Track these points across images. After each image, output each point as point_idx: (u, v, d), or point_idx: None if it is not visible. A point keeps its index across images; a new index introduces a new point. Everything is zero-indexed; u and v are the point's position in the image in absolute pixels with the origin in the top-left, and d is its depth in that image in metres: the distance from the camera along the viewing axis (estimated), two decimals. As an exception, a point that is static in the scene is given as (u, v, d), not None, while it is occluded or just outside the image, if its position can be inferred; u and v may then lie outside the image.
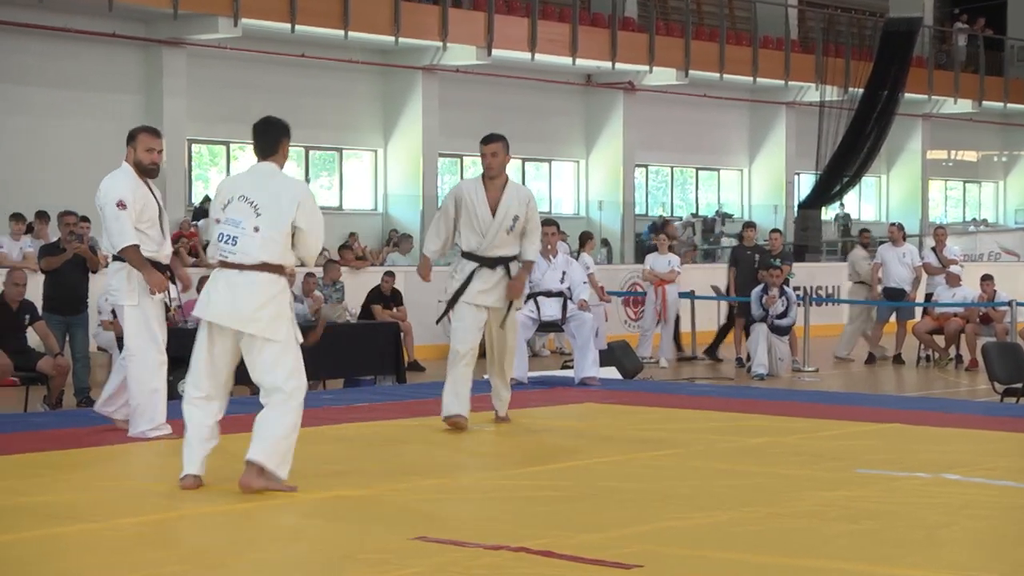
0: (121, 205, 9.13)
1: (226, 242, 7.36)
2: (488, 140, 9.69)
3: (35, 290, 13.65)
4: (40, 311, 13.22)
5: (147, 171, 9.33)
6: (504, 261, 9.83)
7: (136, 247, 9.09)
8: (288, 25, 21.21)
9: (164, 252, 9.36)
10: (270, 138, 7.68)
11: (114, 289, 9.23)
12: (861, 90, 27.80)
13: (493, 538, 6.17)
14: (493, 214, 9.69)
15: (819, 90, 28.95)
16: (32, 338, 13.06)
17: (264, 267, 7.38)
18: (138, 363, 9.17)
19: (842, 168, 27.59)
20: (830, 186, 27.89)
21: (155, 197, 9.37)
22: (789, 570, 5.77)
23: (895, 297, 18.77)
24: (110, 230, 9.16)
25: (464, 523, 6.63)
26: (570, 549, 5.98)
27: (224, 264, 7.38)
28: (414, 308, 18.54)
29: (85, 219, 15.00)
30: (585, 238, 19.78)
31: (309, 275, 16.44)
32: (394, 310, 17.43)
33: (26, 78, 19.91)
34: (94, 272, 14.02)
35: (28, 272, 13.70)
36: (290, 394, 7.32)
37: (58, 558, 5.93)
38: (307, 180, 23.70)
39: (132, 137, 9.43)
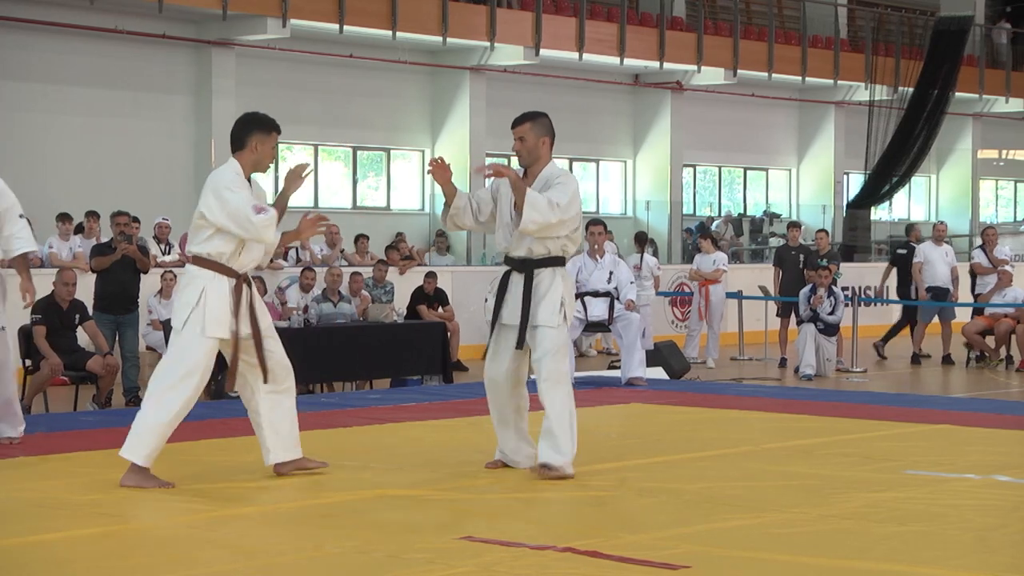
0: None
1: None
2: (514, 123, 8.08)
3: (86, 290, 13.75)
4: (90, 310, 13.31)
5: None
6: (531, 264, 7.95)
7: None
8: (336, 26, 21.28)
9: None
10: (236, 134, 7.77)
11: None
12: (911, 89, 27.63)
13: (539, 538, 6.17)
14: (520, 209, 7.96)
15: (869, 89, 28.77)
16: (82, 337, 13.15)
17: (192, 259, 7.69)
18: None
19: (891, 168, 27.41)
20: (879, 186, 27.72)
21: None
22: (837, 572, 5.73)
23: (939, 297, 18.63)
24: None
25: (510, 523, 6.63)
26: (617, 550, 5.97)
27: None
28: (459, 308, 18.57)
29: (135, 220, 15.10)
30: (643, 239, 19.77)
31: (356, 274, 16.48)
32: (440, 310, 17.45)
33: (77, 79, 20.07)
34: (144, 272, 14.11)
35: (78, 272, 13.80)
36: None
37: (108, 557, 5.97)
38: (354, 180, 23.79)
39: None
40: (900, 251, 19.68)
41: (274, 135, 7.76)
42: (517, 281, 7.97)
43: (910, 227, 19.73)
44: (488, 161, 24.65)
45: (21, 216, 9.35)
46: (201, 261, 7.59)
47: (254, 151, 7.66)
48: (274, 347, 7.81)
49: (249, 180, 7.71)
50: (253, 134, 7.68)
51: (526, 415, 8.22)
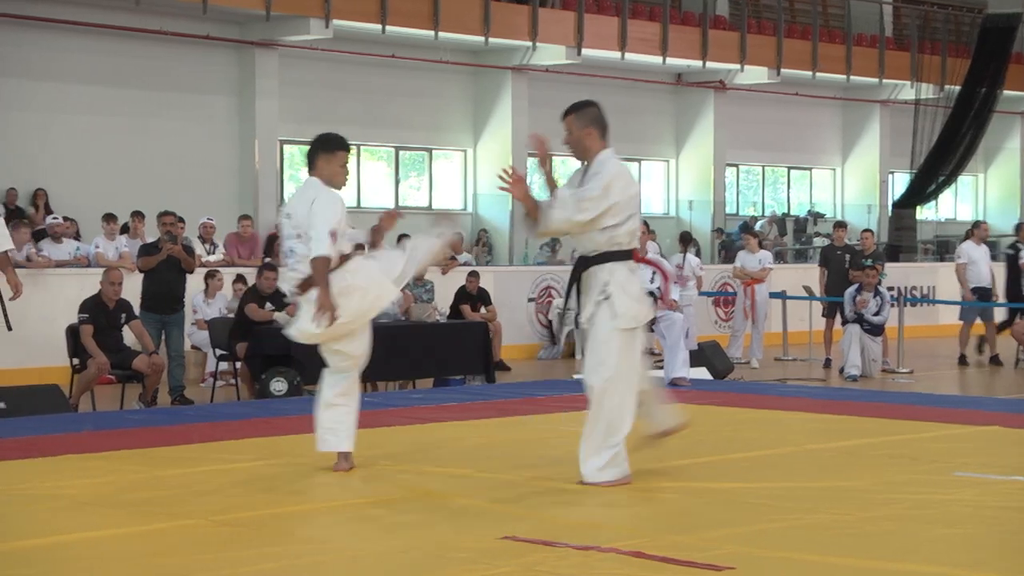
0: None
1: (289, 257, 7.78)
2: (561, 115, 7.78)
3: (132, 289, 13.83)
4: (137, 310, 13.39)
5: None
6: (586, 262, 7.61)
7: None
8: (379, 26, 21.33)
9: None
10: (307, 156, 7.98)
11: None
12: (958, 88, 27.43)
13: (582, 538, 6.15)
14: None
15: (914, 88, 28.60)
16: (128, 337, 13.23)
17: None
18: None
19: (938, 167, 27.24)
20: (925, 185, 27.55)
21: None
22: (883, 574, 5.69)
23: (983, 297, 18.49)
24: None
25: (553, 523, 6.61)
26: (661, 550, 5.95)
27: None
28: (503, 308, 18.58)
29: (181, 220, 15.18)
30: (687, 239, 19.71)
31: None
32: (482, 310, 17.46)
33: (122, 80, 20.19)
34: (190, 272, 14.19)
35: (125, 271, 13.88)
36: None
37: (154, 554, 6.00)
38: (396, 180, 23.83)
39: None
40: (1008, 251, 19.30)
41: (340, 153, 7.85)
42: (575, 279, 7.66)
43: (1019, 226, 19.41)
44: (529, 161, 24.66)
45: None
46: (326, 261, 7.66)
47: (321, 171, 7.80)
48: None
49: None
50: (319, 155, 7.84)
51: (652, 398, 7.96)
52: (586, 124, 7.65)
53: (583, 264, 7.57)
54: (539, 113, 24.35)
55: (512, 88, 23.93)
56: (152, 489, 7.35)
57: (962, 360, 18.30)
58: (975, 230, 19.13)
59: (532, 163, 24.95)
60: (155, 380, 12.90)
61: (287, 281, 7.90)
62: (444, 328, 15.19)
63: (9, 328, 8.83)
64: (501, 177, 7.50)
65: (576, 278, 7.61)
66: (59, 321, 13.83)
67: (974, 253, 18.66)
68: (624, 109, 26.12)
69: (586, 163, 7.64)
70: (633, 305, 7.48)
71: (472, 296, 17.61)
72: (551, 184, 7.68)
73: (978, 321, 18.59)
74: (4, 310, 8.75)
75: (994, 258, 20.19)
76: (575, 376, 15.09)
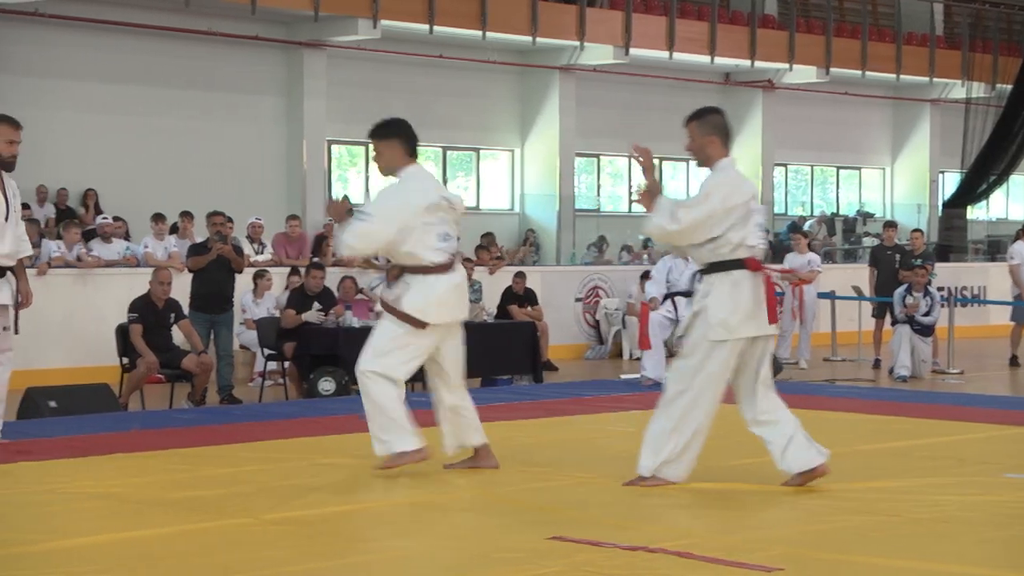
0: None
1: (446, 240, 7.81)
2: (684, 121, 7.84)
3: (181, 289, 13.91)
4: (186, 309, 13.46)
5: (5, 164, 8.73)
6: (701, 272, 7.55)
7: None
8: (426, 26, 21.36)
9: (2, 251, 8.67)
10: (412, 143, 8.05)
11: None
12: (1009, 86, 27.19)
13: (630, 538, 6.14)
14: None
15: (965, 87, 28.37)
16: (177, 336, 13.31)
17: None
18: None
19: (989, 166, 27.02)
20: (976, 185, 27.34)
21: (4, 192, 8.70)
22: (932, 575, 5.65)
23: (1038, 296, 18.33)
24: None
25: (600, 523, 6.60)
26: (709, 551, 5.92)
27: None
28: (550, 308, 18.57)
29: (230, 220, 15.25)
30: None
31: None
32: (529, 309, 17.46)
33: (171, 81, 20.32)
34: (239, 272, 14.26)
35: (174, 271, 13.96)
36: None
37: (203, 553, 6.03)
38: (444, 180, 23.85)
39: None
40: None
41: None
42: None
43: None
44: (576, 161, 24.64)
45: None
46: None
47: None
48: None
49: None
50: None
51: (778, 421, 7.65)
52: (709, 132, 7.58)
53: (700, 274, 7.52)
54: (586, 113, 24.35)
55: (559, 88, 23.92)
56: (200, 488, 7.39)
57: (1013, 361, 18.14)
58: None
59: (579, 163, 24.93)
60: (204, 379, 12.96)
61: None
62: (492, 328, 15.19)
63: (16, 332, 8.87)
64: (634, 149, 7.59)
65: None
66: (109, 321, 13.93)
67: (1025, 253, 18.50)
68: (671, 109, 25.95)
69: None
70: (728, 317, 7.24)
71: (519, 296, 17.61)
72: (656, 190, 7.54)
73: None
74: (16, 315, 8.80)
75: None
76: (622, 376, 15.07)
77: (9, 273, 8.82)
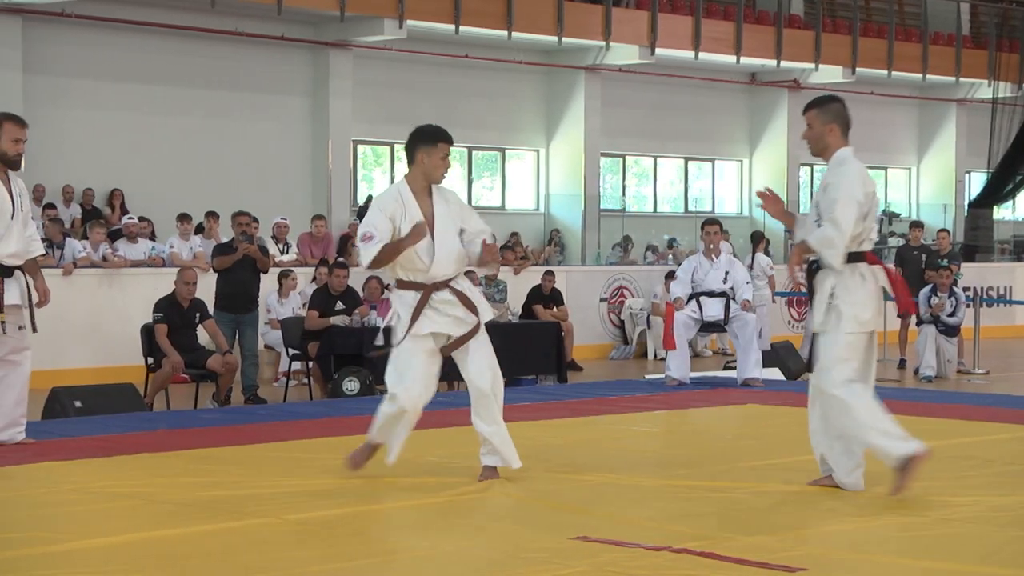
0: None
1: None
2: (804, 109, 7.76)
3: (206, 289, 13.94)
4: (211, 309, 13.50)
5: (11, 162, 8.71)
6: (817, 266, 7.49)
7: None
8: (452, 26, 21.38)
9: (8, 251, 8.65)
10: (406, 150, 7.90)
11: None
12: (1037, 87, 27.10)
13: (654, 539, 6.14)
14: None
15: (992, 87, 28.26)
16: (202, 336, 13.35)
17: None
18: None
19: (1015, 166, 26.93)
20: (1002, 185, 27.24)
21: (10, 191, 8.67)
22: (958, 577, 5.63)
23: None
24: None
25: (625, 523, 6.60)
26: (733, 551, 5.92)
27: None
28: (575, 308, 18.56)
29: (255, 220, 15.29)
30: (757, 238, 19.61)
31: (469, 272, 16.51)
32: (554, 309, 17.46)
33: (197, 81, 20.38)
34: (264, 272, 14.29)
35: (199, 271, 14.00)
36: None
37: (227, 553, 6.05)
38: (469, 180, 23.88)
39: None
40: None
41: (441, 145, 7.73)
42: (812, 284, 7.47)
43: None
44: (602, 161, 24.62)
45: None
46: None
47: (422, 164, 7.73)
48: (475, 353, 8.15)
49: (429, 192, 7.75)
50: (419, 148, 7.76)
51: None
52: (829, 120, 7.52)
53: (814, 268, 7.42)
54: (612, 113, 24.33)
55: (585, 88, 23.90)
56: (224, 488, 7.41)
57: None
58: None
59: (605, 163, 24.92)
60: (229, 379, 13.00)
61: None
62: (516, 328, 15.20)
63: (34, 330, 8.91)
64: (759, 194, 7.61)
65: (811, 282, 7.47)
66: (134, 320, 13.98)
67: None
68: (697, 109, 26.04)
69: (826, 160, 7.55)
70: (860, 311, 7.23)
71: (545, 296, 17.61)
72: (789, 219, 7.61)
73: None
74: (32, 314, 8.82)
75: None
76: (647, 377, 15.06)
77: (18, 272, 8.82)
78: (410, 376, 7.69)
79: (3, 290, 8.68)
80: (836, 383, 7.21)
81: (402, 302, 7.74)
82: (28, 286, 8.87)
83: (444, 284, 7.77)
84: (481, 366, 7.99)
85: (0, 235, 8.63)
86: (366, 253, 7.60)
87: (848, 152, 7.47)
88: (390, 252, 7.59)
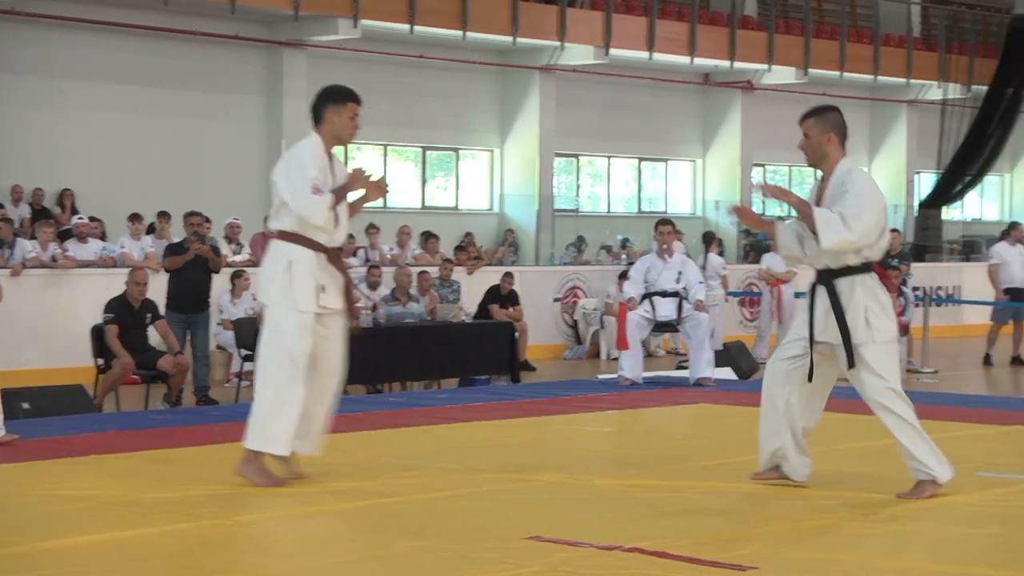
0: None
1: None
2: (800, 118, 7.56)
3: (158, 289, 13.87)
4: (163, 310, 13.43)
5: None
6: (830, 275, 7.37)
7: None
8: (407, 26, 21.35)
9: None
10: (313, 108, 7.74)
11: None
12: (985, 88, 27.31)
13: (606, 538, 6.16)
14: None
15: (942, 88, 28.48)
16: (153, 337, 13.28)
17: (278, 234, 7.54)
18: None
19: (964, 167, 27.14)
20: (952, 185, 27.45)
21: None
22: (909, 573, 5.67)
23: (1017, 298, 18.40)
24: None
25: (577, 523, 6.61)
26: (684, 550, 5.95)
27: None
28: (528, 308, 18.58)
29: (207, 220, 15.22)
30: (709, 238, 19.69)
31: (423, 273, 16.54)
32: (510, 310, 17.48)
33: (149, 79, 20.26)
34: (216, 272, 14.23)
35: (150, 271, 13.92)
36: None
37: (180, 555, 6.02)
38: (423, 180, 23.86)
39: None
40: None
41: (350, 105, 7.60)
42: (821, 294, 7.33)
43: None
44: (556, 161, 24.66)
45: None
46: (285, 235, 7.47)
47: (331, 123, 7.60)
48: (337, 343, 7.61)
49: (331, 156, 7.60)
50: (327, 107, 7.62)
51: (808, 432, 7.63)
52: (827, 129, 7.41)
53: (828, 276, 7.31)
54: (566, 113, 24.36)
55: (540, 88, 23.92)
56: (176, 490, 7.37)
57: (987, 360, 18.20)
58: (1011, 231, 19.02)
59: (559, 163, 24.94)
60: (180, 380, 12.93)
61: None
62: (470, 328, 15.21)
63: None
64: (732, 211, 7.67)
65: (816, 290, 7.36)
66: (84, 321, 13.88)
67: (1007, 254, 18.57)
68: (651, 109, 26.11)
69: (819, 168, 7.46)
70: (886, 319, 7.32)
71: (503, 296, 17.63)
72: (806, 211, 7.30)
73: (1010, 322, 18.47)
74: None
75: None
76: (600, 377, 15.09)
77: None
78: (295, 354, 7.35)
79: None
80: (893, 394, 7.36)
81: (300, 264, 7.37)
82: None
83: (337, 253, 7.55)
84: (338, 362, 7.64)
85: None
86: (320, 207, 7.30)
87: (850, 163, 7.42)
88: (335, 203, 7.41)
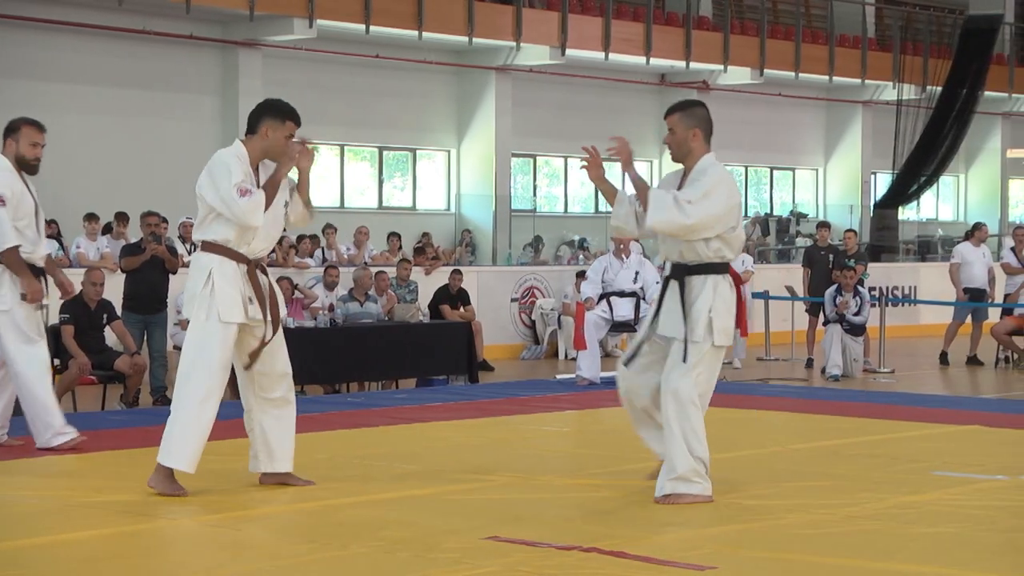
0: (1, 201, 8.59)
1: None
2: (665, 113, 7.57)
3: (114, 289, 13.79)
4: (120, 310, 13.36)
5: (29, 166, 8.84)
6: (683, 270, 7.19)
7: (15, 249, 8.59)
8: (363, 26, 21.31)
9: (39, 253, 8.83)
10: (250, 118, 7.51)
11: None
12: (939, 88, 27.52)
13: (565, 538, 6.16)
14: None
15: (896, 89, 28.67)
16: (110, 337, 13.20)
17: (201, 245, 7.39)
18: (20, 372, 8.73)
19: (919, 167, 27.31)
20: (907, 186, 27.63)
21: (32, 194, 8.82)
22: (865, 573, 5.71)
23: (976, 298, 18.54)
24: None
25: (536, 523, 6.62)
26: (643, 550, 5.96)
27: None
28: (486, 308, 18.58)
29: (164, 220, 15.14)
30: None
31: (381, 273, 16.50)
32: (461, 309, 17.46)
33: (105, 79, 20.14)
34: (173, 272, 14.16)
35: (107, 271, 13.84)
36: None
37: (136, 555, 5.99)
38: (380, 180, 23.82)
39: (14, 129, 8.93)
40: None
41: (289, 124, 7.35)
42: (673, 288, 7.15)
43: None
44: (513, 162, 24.67)
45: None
46: (208, 246, 7.31)
47: (264, 137, 7.36)
48: (278, 349, 7.40)
49: (256, 168, 7.36)
50: (265, 120, 7.39)
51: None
52: (693, 125, 7.32)
53: (682, 271, 7.14)
54: (522, 113, 24.38)
55: (496, 88, 23.93)
56: (134, 491, 7.33)
57: (943, 358, 18.32)
58: (975, 232, 19.14)
59: (516, 163, 24.96)
60: (137, 381, 12.86)
61: None
62: (427, 328, 15.19)
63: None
64: (585, 152, 7.33)
65: (669, 284, 7.18)
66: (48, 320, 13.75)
67: (969, 254, 18.68)
68: (608, 109, 26.15)
69: (685, 166, 7.31)
70: (729, 323, 7.12)
71: (452, 296, 17.60)
72: (641, 185, 7.29)
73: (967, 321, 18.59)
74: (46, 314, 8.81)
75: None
76: (558, 376, 15.11)
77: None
78: (215, 367, 7.18)
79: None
80: (692, 391, 7.04)
81: (222, 275, 7.18)
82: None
83: (260, 262, 7.34)
84: (281, 366, 7.43)
85: (33, 240, 8.72)
86: (254, 207, 7.09)
87: (713, 158, 7.27)
88: (270, 199, 7.21)
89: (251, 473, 7.55)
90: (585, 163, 7.44)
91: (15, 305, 8.65)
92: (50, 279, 9.11)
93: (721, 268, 7.13)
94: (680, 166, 7.47)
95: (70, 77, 19.82)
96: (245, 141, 7.42)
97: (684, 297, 7.10)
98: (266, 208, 7.22)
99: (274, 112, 7.43)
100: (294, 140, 7.44)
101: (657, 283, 13.91)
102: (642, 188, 7.22)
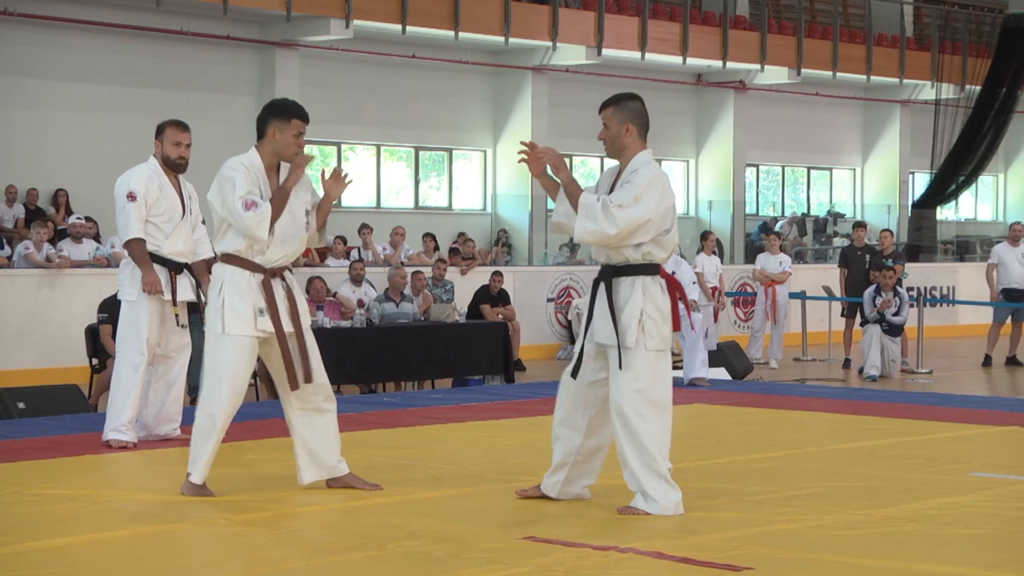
0: (131, 197, 9.15)
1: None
2: (600, 107, 7.20)
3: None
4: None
5: (174, 165, 9.47)
6: (610, 272, 6.92)
7: (139, 241, 8.96)
8: (399, 26, 21.35)
9: (176, 248, 9.11)
10: (258, 122, 7.48)
11: (119, 282, 9.26)
12: (978, 87, 27.35)
13: (601, 539, 6.16)
14: None
15: (935, 88, 28.52)
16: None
17: (220, 257, 7.35)
18: (118, 361, 9.13)
19: (958, 167, 27.15)
20: (945, 185, 27.47)
21: (180, 193, 9.30)
22: (903, 575, 5.68)
23: (1014, 298, 18.41)
24: (118, 222, 9.20)
25: (572, 523, 6.61)
26: (679, 551, 5.95)
27: None
28: (522, 308, 18.58)
29: (203, 221, 15.17)
30: (704, 237, 19.66)
31: (417, 273, 16.52)
32: (502, 309, 17.47)
33: (143, 80, 20.25)
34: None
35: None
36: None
37: (171, 554, 6.01)
38: (416, 180, 23.84)
39: (160, 131, 9.60)
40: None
41: (295, 122, 7.28)
42: (601, 292, 6.86)
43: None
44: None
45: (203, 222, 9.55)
46: (224, 257, 7.27)
47: (272, 139, 7.31)
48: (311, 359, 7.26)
49: (275, 170, 7.31)
50: (270, 122, 7.35)
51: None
52: (626, 119, 7.00)
53: (610, 274, 6.86)
54: (559, 113, 24.36)
55: (532, 88, 23.93)
56: (171, 491, 7.36)
57: (987, 361, 18.18)
58: (1011, 231, 19.02)
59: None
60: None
61: None
62: (463, 328, 15.20)
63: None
64: (522, 148, 7.05)
65: (598, 287, 6.90)
66: (79, 321, 13.86)
67: (1006, 255, 18.54)
68: (644, 110, 26.08)
69: (620, 164, 7.00)
70: (663, 327, 6.81)
71: (493, 296, 17.62)
72: (573, 190, 6.92)
73: (1008, 321, 18.46)
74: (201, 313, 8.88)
75: None
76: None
77: (186, 271, 9.23)
78: (224, 380, 7.13)
79: (176, 285, 9.10)
80: (638, 404, 6.74)
81: (233, 286, 7.12)
82: (194, 285, 9.26)
83: (280, 271, 7.23)
84: (316, 376, 7.29)
85: (168, 234, 9.16)
86: (259, 220, 6.99)
87: (649, 155, 6.95)
88: (277, 210, 7.11)
89: (291, 476, 7.54)
90: (524, 157, 7.06)
91: (140, 297, 9.03)
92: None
93: (651, 270, 6.83)
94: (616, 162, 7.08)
95: (108, 78, 19.93)
96: (258, 146, 7.40)
97: (613, 301, 6.82)
98: (276, 218, 7.15)
99: (278, 112, 7.41)
100: (338, 169, 7.49)
101: (693, 283, 13.93)
102: (574, 193, 6.88)
